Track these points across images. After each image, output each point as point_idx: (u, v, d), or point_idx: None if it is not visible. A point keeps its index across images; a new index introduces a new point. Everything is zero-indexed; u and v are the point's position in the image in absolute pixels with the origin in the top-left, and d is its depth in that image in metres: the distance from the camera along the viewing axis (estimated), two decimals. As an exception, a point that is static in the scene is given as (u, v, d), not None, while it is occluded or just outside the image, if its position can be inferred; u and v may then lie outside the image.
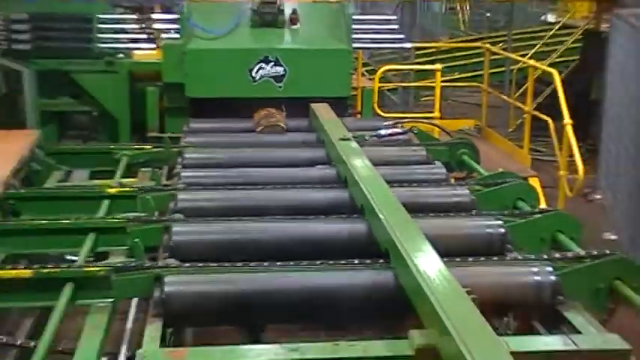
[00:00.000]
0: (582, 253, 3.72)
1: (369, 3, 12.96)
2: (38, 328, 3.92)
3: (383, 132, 5.98)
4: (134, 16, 8.22)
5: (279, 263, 3.51)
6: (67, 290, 3.47)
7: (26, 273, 3.57)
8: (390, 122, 6.38)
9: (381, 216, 3.71)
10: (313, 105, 6.13)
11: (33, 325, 4.27)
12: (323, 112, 5.95)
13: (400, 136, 6.02)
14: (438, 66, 9.51)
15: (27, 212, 4.66)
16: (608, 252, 3.64)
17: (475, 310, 2.78)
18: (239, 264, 3.49)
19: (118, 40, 7.94)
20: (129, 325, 3.60)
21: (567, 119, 7.25)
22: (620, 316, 3.50)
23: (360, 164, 4.59)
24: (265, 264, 3.49)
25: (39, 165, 5.48)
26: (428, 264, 3.16)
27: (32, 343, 3.49)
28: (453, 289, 2.95)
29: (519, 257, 3.75)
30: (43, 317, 3.87)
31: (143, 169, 5.56)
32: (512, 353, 2.53)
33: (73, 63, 7.90)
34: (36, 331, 3.93)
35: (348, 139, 5.14)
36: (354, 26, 7.24)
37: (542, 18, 16.10)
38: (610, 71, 9.01)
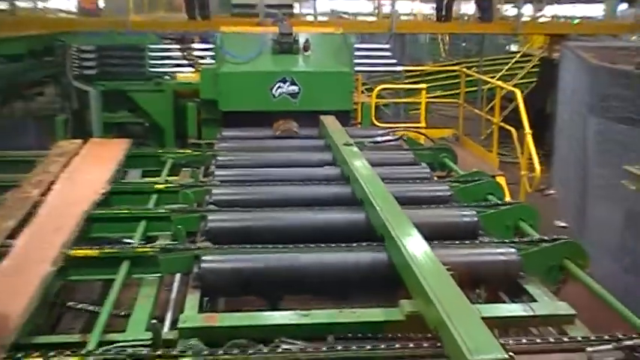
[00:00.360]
0: (539, 237, 3.73)
1: (368, 35, 12.88)
2: (102, 296, 3.93)
3: (379, 139, 5.97)
4: (177, 46, 8.27)
5: (295, 245, 3.52)
6: (124, 266, 3.50)
7: (93, 252, 3.60)
8: (385, 131, 6.37)
9: (377, 207, 3.71)
10: (322, 117, 6.12)
11: (98, 294, 4.27)
12: (330, 122, 5.94)
13: (392, 142, 6.01)
14: (423, 85, 9.50)
15: (92, 204, 4.69)
16: (559, 237, 3.66)
17: (453, 284, 2.79)
18: (266, 246, 3.49)
19: (164, 65, 7.98)
20: (173, 295, 3.60)
21: (527, 129, 7.23)
22: (569, 288, 3.50)
23: (360, 165, 4.59)
24: (288, 246, 3.50)
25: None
26: (415, 246, 3.16)
27: (97, 309, 3.51)
28: (436, 266, 2.95)
29: (489, 241, 3.75)
30: (105, 288, 3.87)
31: (184, 169, 5.55)
32: (483, 318, 2.53)
33: (129, 84, 7.94)
34: (100, 299, 3.94)
35: (351, 145, 5.13)
36: (355, 53, 7.23)
37: (507, 48, 16.05)
38: (561, 91, 9.00)
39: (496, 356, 2.27)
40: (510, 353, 2.30)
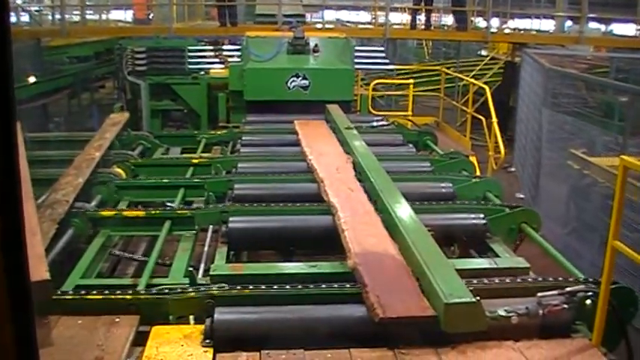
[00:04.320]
0: (502, 205, 3.70)
1: (366, 39, 12.72)
2: (149, 249, 3.92)
3: (374, 124, 5.90)
4: (211, 47, 8.19)
5: (302, 204, 3.52)
6: (167, 225, 3.48)
7: (141, 213, 3.59)
8: (379, 117, 6.30)
9: (371, 179, 3.68)
10: (328, 105, 6.05)
11: (146, 247, 4.26)
12: (334, 110, 5.88)
13: (385, 127, 5.94)
14: (411, 81, 9.41)
15: (142, 174, 4.65)
16: (518, 205, 3.67)
17: (433, 242, 2.77)
18: (281, 207, 3.48)
19: (200, 63, 7.92)
20: (206, 248, 3.57)
21: (494, 119, 7.20)
22: (524, 246, 3.50)
23: (358, 144, 4.54)
24: (297, 208, 3.50)
25: (149, 143, 5.45)
26: (402, 211, 3.13)
27: (145, 258, 3.50)
28: (419, 227, 2.93)
29: (462, 207, 3.70)
30: (151, 242, 3.87)
31: (215, 146, 5.54)
32: (456, 270, 2.52)
33: (172, 78, 7.89)
34: (147, 251, 3.93)
35: (351, 128, 5.08)
36: (356, 54, 7.13)
37: (479, 52, 15.81)
38: (520, 88, 8.99)
39: (466, 300, 2.27)
40: (477, 297, 2.28)
